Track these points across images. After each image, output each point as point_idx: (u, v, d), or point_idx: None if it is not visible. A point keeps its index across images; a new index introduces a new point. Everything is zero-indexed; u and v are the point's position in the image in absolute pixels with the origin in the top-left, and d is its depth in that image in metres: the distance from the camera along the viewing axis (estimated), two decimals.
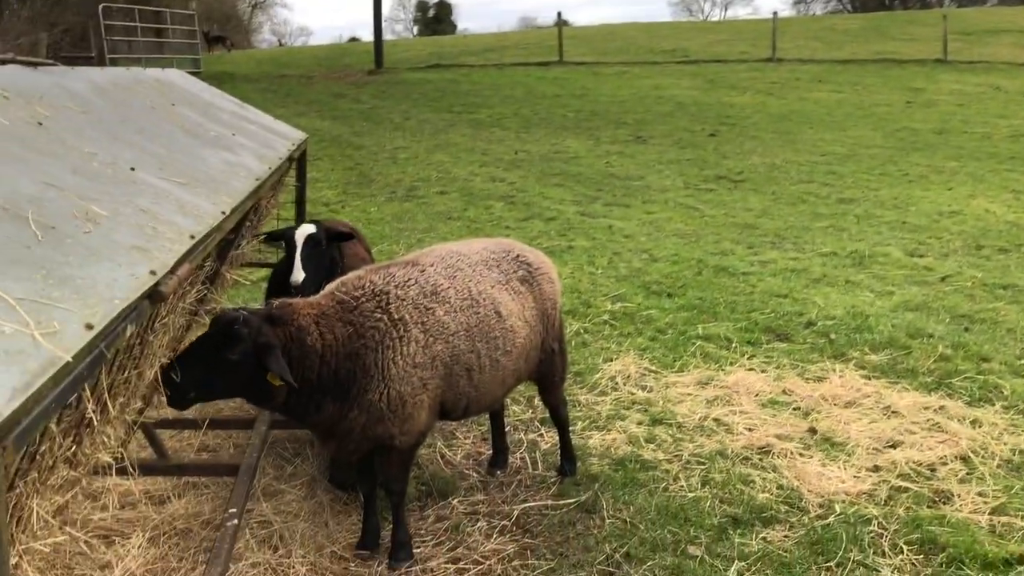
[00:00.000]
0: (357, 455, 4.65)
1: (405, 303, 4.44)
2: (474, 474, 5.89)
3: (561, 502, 5.53)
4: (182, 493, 5.33)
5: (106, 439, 3.23)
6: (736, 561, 4.90)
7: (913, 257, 10.95)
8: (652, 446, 6.24)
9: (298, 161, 7.55)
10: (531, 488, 5.73)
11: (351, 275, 4.60)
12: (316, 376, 4.17)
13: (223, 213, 3.62)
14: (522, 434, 6.43)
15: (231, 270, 5.34)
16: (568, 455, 5.86)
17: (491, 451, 6.03)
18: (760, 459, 6.04)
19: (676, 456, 6.10)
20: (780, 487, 5.66)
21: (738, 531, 5.19)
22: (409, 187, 15.32)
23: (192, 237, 3.10)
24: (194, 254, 3.08)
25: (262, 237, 6.19)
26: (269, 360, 3.96)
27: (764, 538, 5.12)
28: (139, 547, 4.70)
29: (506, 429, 6.36)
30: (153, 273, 2.54)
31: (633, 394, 7.10)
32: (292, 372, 3.99)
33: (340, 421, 4.34)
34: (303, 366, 4.13)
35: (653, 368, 7.58)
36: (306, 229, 5.54)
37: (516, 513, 5.41)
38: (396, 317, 4.37)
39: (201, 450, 5.96)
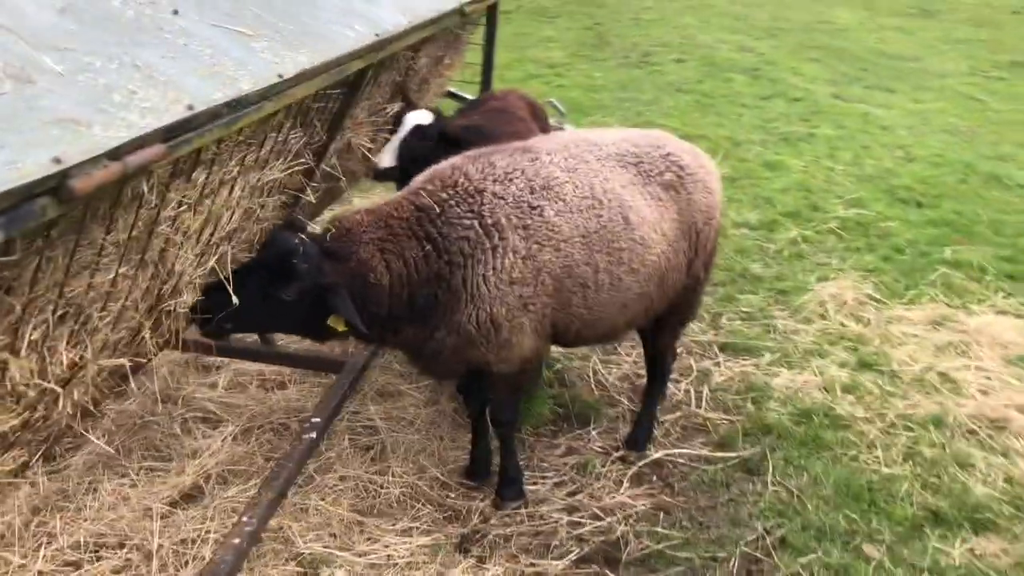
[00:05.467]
0: (452, 377, 3.92)
1: (503, 202, 3.52)
2: (625, 401, 5.04)
3: (719, 454, 4.58)
4: (298, 380, 4.88)
5: None
6: (925, 574, 3.80)
7: None
8: (851, 398, 5.09)
9: (488, 17, 6.65)
10: (687, 430, 4.81)
11: (444, 164, 3.73)
12: (387, 310, 3.43)
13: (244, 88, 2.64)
14: (693, 359, 5.45)
15: (359, 131, 4.58)
16: (647, 423, 4.66)
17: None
18: (990, 436, 4.74)
19: (879, 415, 4.93)
20: (1009, 481, 4.39)
21: (937, 532, 4.05)
22: (645, 52, 14.00)
23: (187, 108, 2.29)
24: (177, 147, 2.23)
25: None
26: (337, 303, 3.25)
27: (971, 549, 3.95)
28: (231, 439, 4.30)
29: (678, 351, 5.43)
30: (58, 160, 1.83)
31: (844, 326, 5.88)
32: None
33: (426, 342, 3.58)
34: (368, 303, 3.38)
35: (876, 296, 6.25)
36: (420, 115, 4.70)
37: (661, 459, 4.54)
38: (490, 222, 3.49)
39: None
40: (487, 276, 3.45)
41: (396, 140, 4.72)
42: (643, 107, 10.92)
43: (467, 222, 3.47)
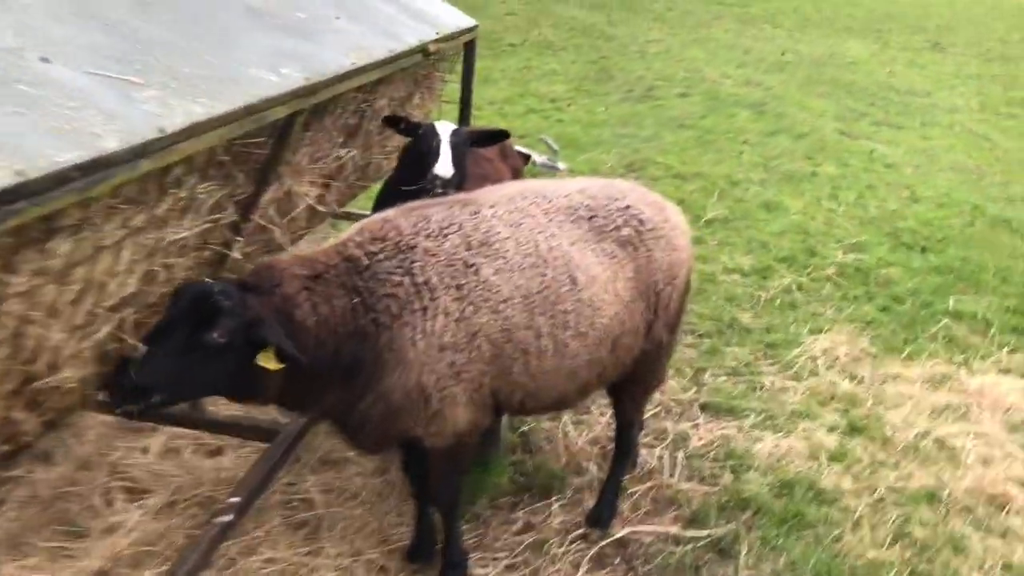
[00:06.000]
0: (380, 450, 3.57)
1: (436, 260, 3.19)
2: (593, 469, 4.65)
3: (689, 533, 4.19)
4: (237, 444, 4.53)
5: None
6: None
7: None
8: (838, 467, 4.69)
9: (465, 56, 6.33)
10: (658, 503, 4.42)
11: (376, 217, 3.40)
12: (311, 359, 3.05)
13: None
14: (670, 422, 5.06)
15: (300, 179, 4.25)
16: (611, 497, 4.27)
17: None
18: (988, 515, 4.34)
19: (867, 488, 4.53)
20: (1008, 568, 3.98)
21: None
22: (649, 86, 13.70)
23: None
24: None
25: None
26: (264, 331, 2.89)
27: None
28: (152, 512, 3.95)
29: (655, 411, 5.08)
30: None
31: (835, 384, 5.49)
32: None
33: (351, 409, 3.23)
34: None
35: (873, 350, 5.87)
36: (444, 124, 4.41)
37: (625, 537, 4.16)
38: (420, 280, 3.16)
39: None
40: (415, 340, 3.11)
41: (445, 148, 4.38)
42: (641, 144, 10.60)
43: (396, 279, 3.14)
